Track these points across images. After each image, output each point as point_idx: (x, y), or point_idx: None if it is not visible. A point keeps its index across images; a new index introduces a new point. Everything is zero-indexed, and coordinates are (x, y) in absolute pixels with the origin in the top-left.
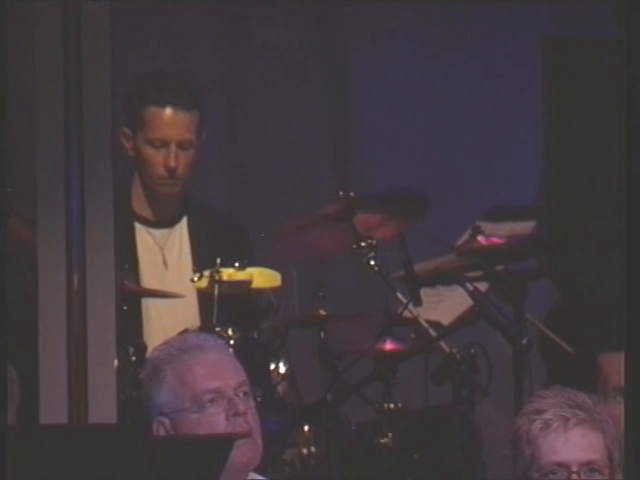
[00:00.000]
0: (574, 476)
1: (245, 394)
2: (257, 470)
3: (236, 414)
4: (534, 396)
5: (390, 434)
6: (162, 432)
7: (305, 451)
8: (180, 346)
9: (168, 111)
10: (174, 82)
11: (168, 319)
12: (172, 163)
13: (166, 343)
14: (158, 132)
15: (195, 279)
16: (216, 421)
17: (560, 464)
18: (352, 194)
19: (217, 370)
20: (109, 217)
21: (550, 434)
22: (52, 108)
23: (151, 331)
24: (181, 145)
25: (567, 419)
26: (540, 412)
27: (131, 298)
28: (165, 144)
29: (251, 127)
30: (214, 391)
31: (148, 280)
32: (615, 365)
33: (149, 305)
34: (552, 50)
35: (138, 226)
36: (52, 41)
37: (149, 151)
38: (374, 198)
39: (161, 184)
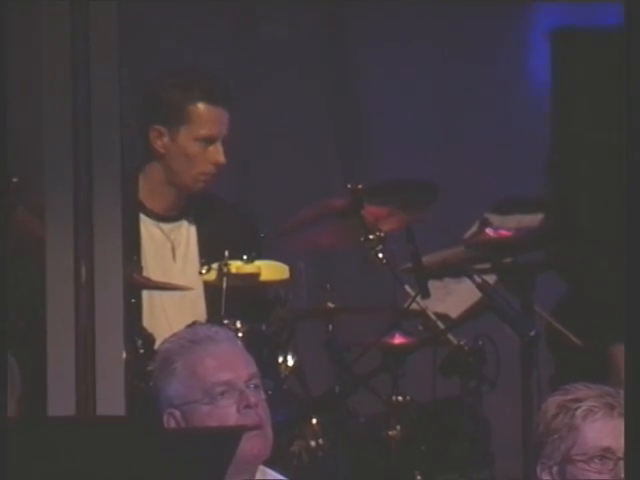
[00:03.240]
0: (621, 462)
1: (256, 386)
2: (265, 462)
3: (247, 406)
4: (560, 390)
5: (398, 426)
6: (172, 424)
7: (313, 443)
8: (191, 338)
9: (217, 108)
10: (216, 79)
11: (173, 312)
12: (223, 159)
13: (176, 335)
14: (210, 129)
15: (203, 272)
16: (227, 413)
17: (608, 449)
18: (360, 186)
19: (228, 362)
20: (117, 209)
21: (597, 421)
22: (60, 100)
23: (156, 324)
24: (223, 142)
25: (613, 407)
26: (579, 401)
27: (139, 290)
28: (213, 141)
29: (258, 120)
30: (225, 383)
31: (154, 272)
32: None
33: (154, 298)
34: (559, 41)
35: (146, 219)
36: (60, 40)
37: (196, 148)
38: (382, 187)
39: (202, 180)
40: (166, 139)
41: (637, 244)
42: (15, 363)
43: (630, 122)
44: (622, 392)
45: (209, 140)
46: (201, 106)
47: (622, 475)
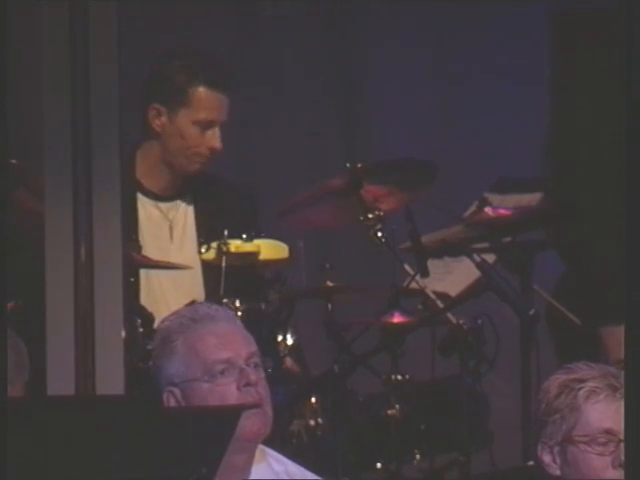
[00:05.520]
0: (622, 444)
1: (256, 365)
2: (264, 441)
3: (247, 384)
4: (562, 369)
5: (397, 405)
6: (172, 402)
7: (312, 422)
8: (191, 316)
9: (218, 93)
10: (219, 63)
11: (172, 291)
12: (219, 145)
13: (176, 313)
14: (208, 113)
15: (203, 251)
16: (227, 391)
17: (610, 431)
18: (359, 165)
19: (228, 340)
20: (116, 189)
21: (599, 402)
22: (60, 84)
23: (155, 303)
24: (222, 127)
25: (616, 388)
26: (581, 381)
27: (137, 270)
28: (211, 125)
29: (258, 99)
30: (225, 361)
31: (152, 252)
32: (616, 338)
33: (152, 277)
34: (557, 22)
35: (144, 199)
36: (60, 37)
37: (194, 131)
38: (381, 166)
39: (196, 162)
40: (164, 119)
41: (637, 223)
42: (25, 347)
43: (630, 103)
44: (623, 373)
45: (207, 125)
46: (202, 90)
47: (623, 457)
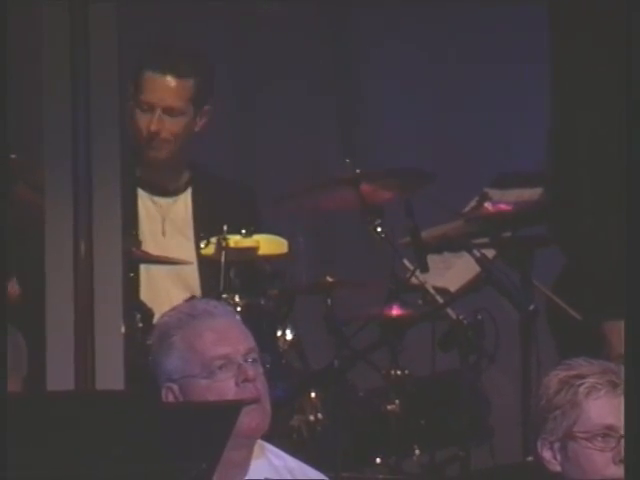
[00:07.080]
0: (623, 440)
1: (254, 360)
2: (264, 436)
3: (245, 380)
4: (562, 364)
5: (397, 400)
6: (171, 398)
7: (312, 417)
8: (190, 312)
9: (160, 76)
10: (174, 49)
11: (170, 287)
12: (153, 127)
13: (175, 309)
14: (146, 96)
15: (202, 246)
16: (225, 387)
17: (611, 427)
18: (358, 171)
19: (227, 336)
20: (116, 184)
21: (600, 398)
22: (59, 81)
23: (154, 298)
24: (168, 111)
25: (616, 384)
26: (582, 377)
27: (137, 265)
28: (151, 108)
29: (258, 96)
30: (224, 357)
31: (150, 246)
32: (619, 332)
33: (151, 272)
34: (557, 10)
35: (143, 193)
36: (60, 37)
37: (137, 114)
38: (380, 175)
39: (146, 147)
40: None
41: (637, 221)
42: (24, 341)
43: (630, 103)
44: (623, 369)
45: (147, 107)
46: (148, 73)
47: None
